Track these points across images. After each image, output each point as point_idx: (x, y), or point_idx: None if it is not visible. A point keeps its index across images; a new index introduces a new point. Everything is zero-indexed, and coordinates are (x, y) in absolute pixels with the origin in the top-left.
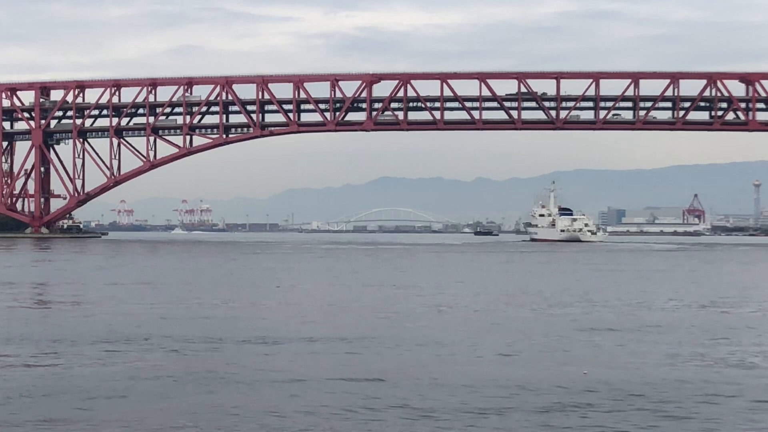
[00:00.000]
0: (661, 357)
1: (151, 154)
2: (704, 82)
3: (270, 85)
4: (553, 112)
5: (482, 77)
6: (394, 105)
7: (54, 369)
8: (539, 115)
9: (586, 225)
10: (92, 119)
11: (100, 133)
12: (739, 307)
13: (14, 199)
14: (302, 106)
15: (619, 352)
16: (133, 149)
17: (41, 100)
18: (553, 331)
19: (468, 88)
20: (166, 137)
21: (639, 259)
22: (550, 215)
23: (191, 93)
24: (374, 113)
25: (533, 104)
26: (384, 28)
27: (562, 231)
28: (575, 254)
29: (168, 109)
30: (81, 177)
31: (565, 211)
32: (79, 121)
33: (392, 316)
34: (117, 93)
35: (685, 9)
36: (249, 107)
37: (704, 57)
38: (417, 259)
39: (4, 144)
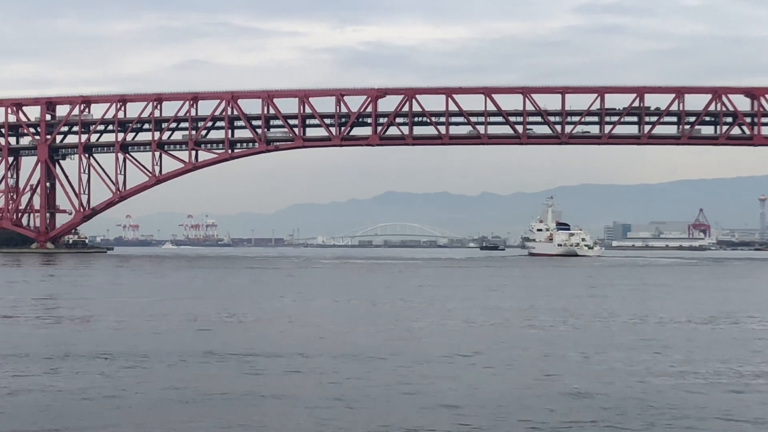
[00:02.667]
0: (656, 372)
1: (157, 169)
2: (709, 96)
3: (275, 100)
4: (558, 127)
5: (487, 92)
6: (399, 120)
7: (58, 384)
8: (545, 129)
9: (583, 240)
10: (98, 134)
11: (105, 148)
12: (737, 322)
13: (20, 214)
14: (307, 121)
15: (614, 367)
16: (138, 164)
17: (47, 115)
18: (544, 345)
19: (473, 102)
20: (172, 152)
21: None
22: (547, 230)
23: (197, 108)
24: (379, 128)
25: (539, 119)
26: (390, 42)
27: (560, 245)
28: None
29: (173, 125)
30: (86, 192)
31: (562, 226)
32: (84, 137)
33: (396, 333)
34: (123, 108)
35: (691, 23)
36: (254, 122)
37: (711, 71)
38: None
39: (10, 159)
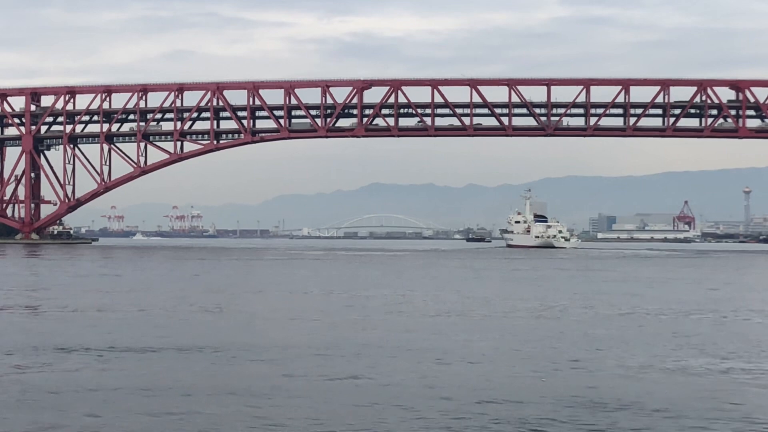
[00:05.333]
0: (622, 365)
1: (142, 160)
2: (695, 88)
3: (261, 91)
4: (544, 119)
5: (473, 83)
6: (384, 111)
7: (45, 376)
8: (530, 121)
9: (560, 232)
10: (83, 125)
11: (90, 138)
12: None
13: (4, 204)
14: (293, 112)
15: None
16: (123, 155)
17: (32, 105)
18: (514, 335)
19: (459, 94)
20: (157, 143)
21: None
22: (525, 222)
23: (182, 99)
24: (365, 119)
25: (524, 111)
26: (377, 33)
27: (537, 237)
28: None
29: (159, 115)
30: (71, 183)
31: (540, 218)
32: (69, 127)
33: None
34: (108, 99)
35: (678, 15)
36: (240, 113)
37: (698, 63)
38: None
39: None
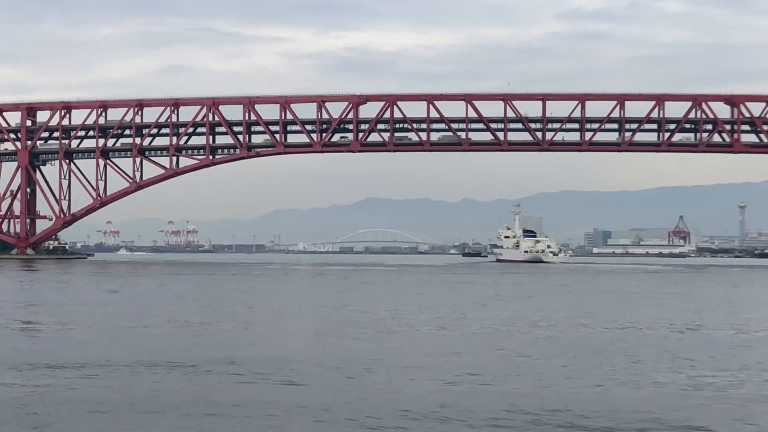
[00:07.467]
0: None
1: (138, 175)
2: (690, 104)
3: (257, 106)
4: (539, 134)
5: (468, 99)
6: (380, 126)
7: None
8: (526, 136)
9: (549, 246)
10: (78, 140)
11: (86, 154)
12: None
13: (0, 220)
14: (289, 128)
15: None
16: (119, 170)
17: (27, 121)
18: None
19: (454, 109)
20: (153, 158)
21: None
22: (514, 237)
23: (178, 114)
24: (361, 134)
25: (520, 126)
26: (374, 48)
27: (526, 252)
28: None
29: (154, 130)
30: (67, 198)
31: (528, 233)
32: (65, 142)
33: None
34: (104, 114)
35: (674, 30)
36: (235, 128)
37: (694, 78)
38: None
39: None
